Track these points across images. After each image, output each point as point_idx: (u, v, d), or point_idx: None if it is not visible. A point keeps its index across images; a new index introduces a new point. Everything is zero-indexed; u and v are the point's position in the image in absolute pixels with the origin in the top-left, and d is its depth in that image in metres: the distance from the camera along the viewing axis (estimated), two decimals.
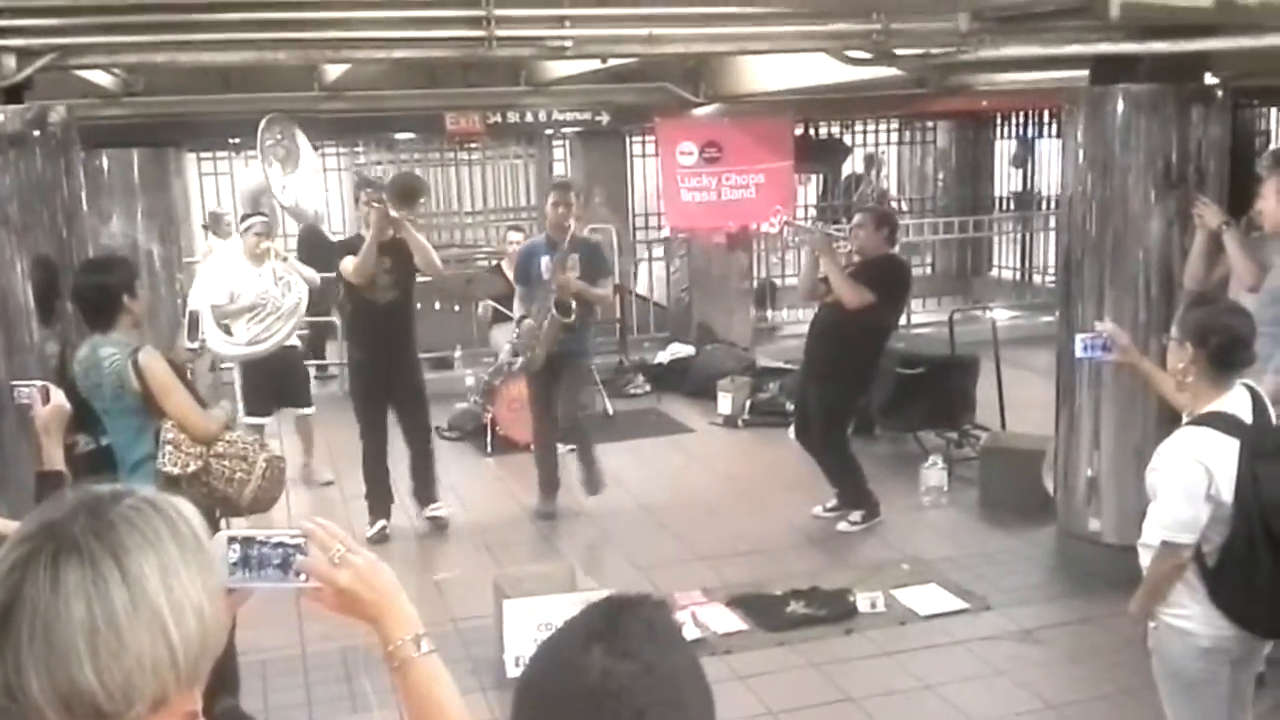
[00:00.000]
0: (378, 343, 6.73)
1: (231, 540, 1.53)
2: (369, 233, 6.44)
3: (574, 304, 6.85)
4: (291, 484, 7.88)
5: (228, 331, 7.36)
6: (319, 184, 8.80)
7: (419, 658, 1.56)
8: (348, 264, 6.54)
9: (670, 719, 1.20)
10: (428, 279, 7.14)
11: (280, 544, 1.54)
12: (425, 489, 7.06)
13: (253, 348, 7.38)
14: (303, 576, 1.54)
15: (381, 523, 6.92)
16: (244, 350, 7.42)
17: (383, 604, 1.56)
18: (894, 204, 14.88)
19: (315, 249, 9.36)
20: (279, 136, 8.40)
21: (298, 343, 8.12)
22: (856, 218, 6.93)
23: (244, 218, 7.97)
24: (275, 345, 7.42)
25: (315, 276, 7.73)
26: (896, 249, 7.12)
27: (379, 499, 6.97)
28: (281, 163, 8.48)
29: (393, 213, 6.38)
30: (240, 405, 7.61)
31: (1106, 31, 4.68)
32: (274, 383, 7.70)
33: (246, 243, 7.54)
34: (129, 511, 1.30)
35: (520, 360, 7.37)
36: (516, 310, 7.30)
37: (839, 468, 6.88)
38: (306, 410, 7.97)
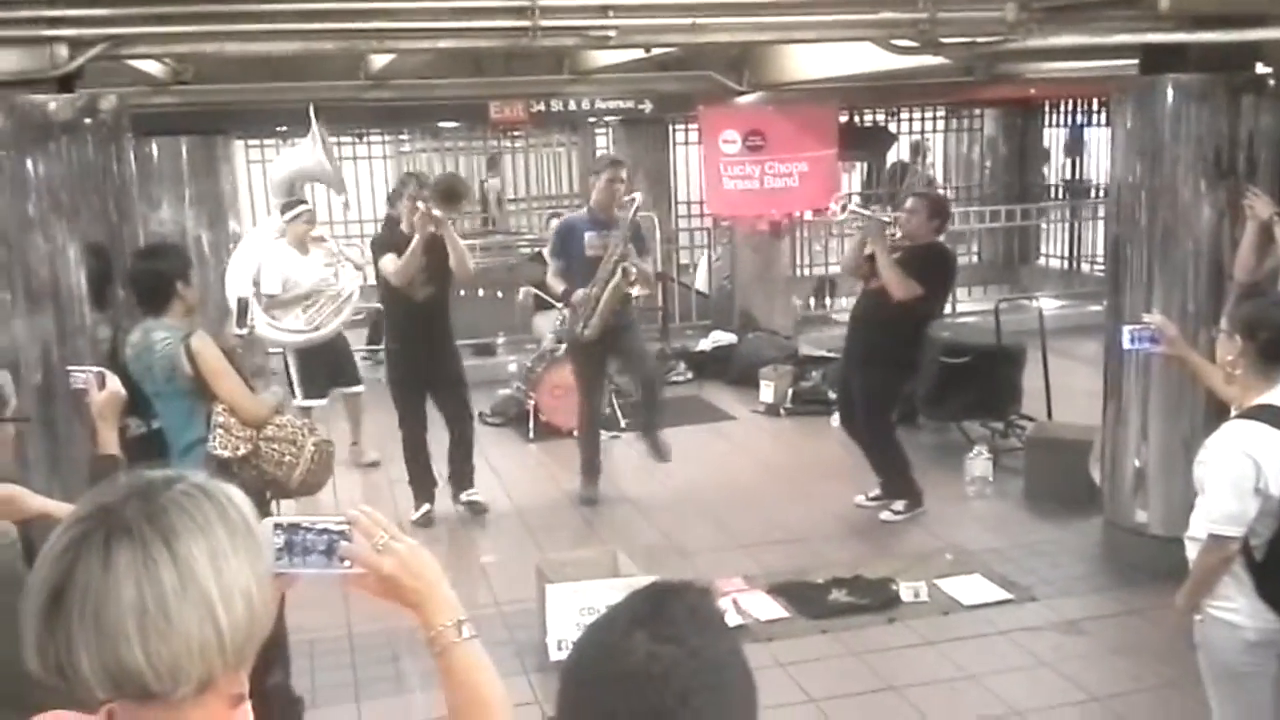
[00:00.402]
0: (415, 337, 6.78)
1: (277, 527, 1.55)
2: (415, 239, 6.39)
3: (635, 276, 6.85)
4: (340, 465, 8.06)
5: (275, 318, 7.46)
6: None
7: (461, 643, 1.58)
8: (387, 263, 6.57)
9: (713, 703, 1.21)
10: None
11: (325, 530, 1.57)
12: (461, 475, 7.11)
13: (312, 334, 7.53)
14: (347, 563, 1.56)
15: (426, 506, 6.99)
16: (303, 337, 7.55)
17: (425, 590, 1.58)
18: (941, 191, 14.79)
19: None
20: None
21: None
22: (910, 202, 6.77)
23: (285, 206, 8.01)
24: (334, 331, 7.60)
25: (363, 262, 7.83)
26: (943, 238, 7.05)
27: (422, 484, 7.04)
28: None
29: (436, 214, 6.39)
30: (297, 390, 7.85)
31: (1156, 21, 4.63)
32: (327, 366, 7.88)
33: (295, 231, 7.64)
34: (180, 496, 1.33)
35: (570, 330, 7.28)
36: (554, 285, 7.22)
37: (883, 456, 6.85)
38: (356, 389, 8.12)
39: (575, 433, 7.60)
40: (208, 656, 1.30)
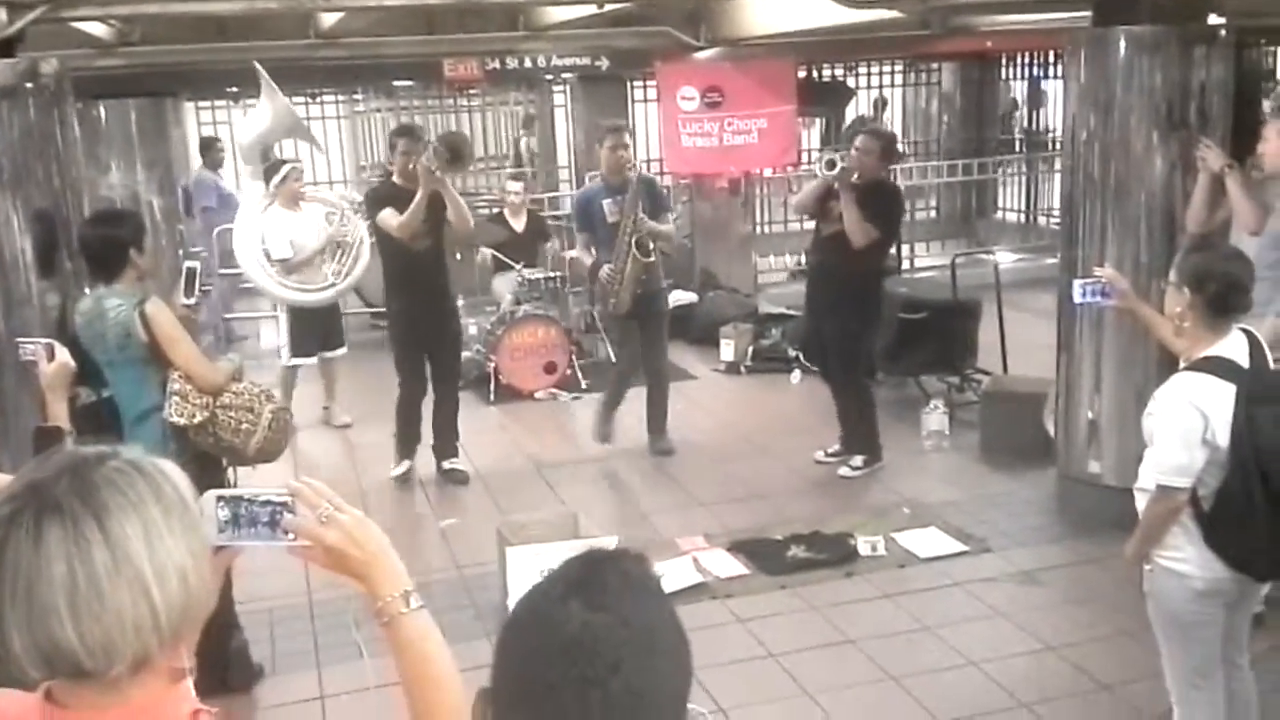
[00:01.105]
0: (416, 289, 6.77)
1: (220, 499, 1.55)
2: (419, 194, 6.36)
3: (652, 243, 6.90)
4: (313, 426, 8.16)
5: (302, 281, 7.66)
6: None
7: (408, 614, 1.58)
8: (388, 217, 6.54)
9: (645, 669, 1.22)
10: None
11: (268, 502, 1.56)
12: (446, 442, 7.08)
13: (345, 283, 7.79)
14: (291, 535, 1.55)
15: (407, 463, 7.00)
16: (336, 290, 7.79)
17: (371, 561, 1.58)
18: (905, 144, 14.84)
19: None
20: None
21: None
22: (862, 140, 6.65)
23: (269, 169, 7.99)
24: (359, 275, 7.79)
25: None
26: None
27: (408, 442, 7.03)
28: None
29: (437, 173, 6.35)
30: (285, 349, 8.10)
31: None
32: (319, 326, 7.98)
33: (286, 191, 7.69)
34: (113, 473, 1.32)
35: (603, 304, 7.37)
36: (583, 257, 7.35)
37: (855, 403, 6.86)
38: (338, 352, 8.18)
39: (615, 380, 7.53)
40: (142, 635, 1.29)
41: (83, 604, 1.26)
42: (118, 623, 1.27)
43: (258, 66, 8.18)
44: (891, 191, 6.80)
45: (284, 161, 8.11)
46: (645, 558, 1.33)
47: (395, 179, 6.78)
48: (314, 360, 8.10)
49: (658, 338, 7.38)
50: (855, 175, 6.37)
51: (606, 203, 7.03)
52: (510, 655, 1.27)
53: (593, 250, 7.19)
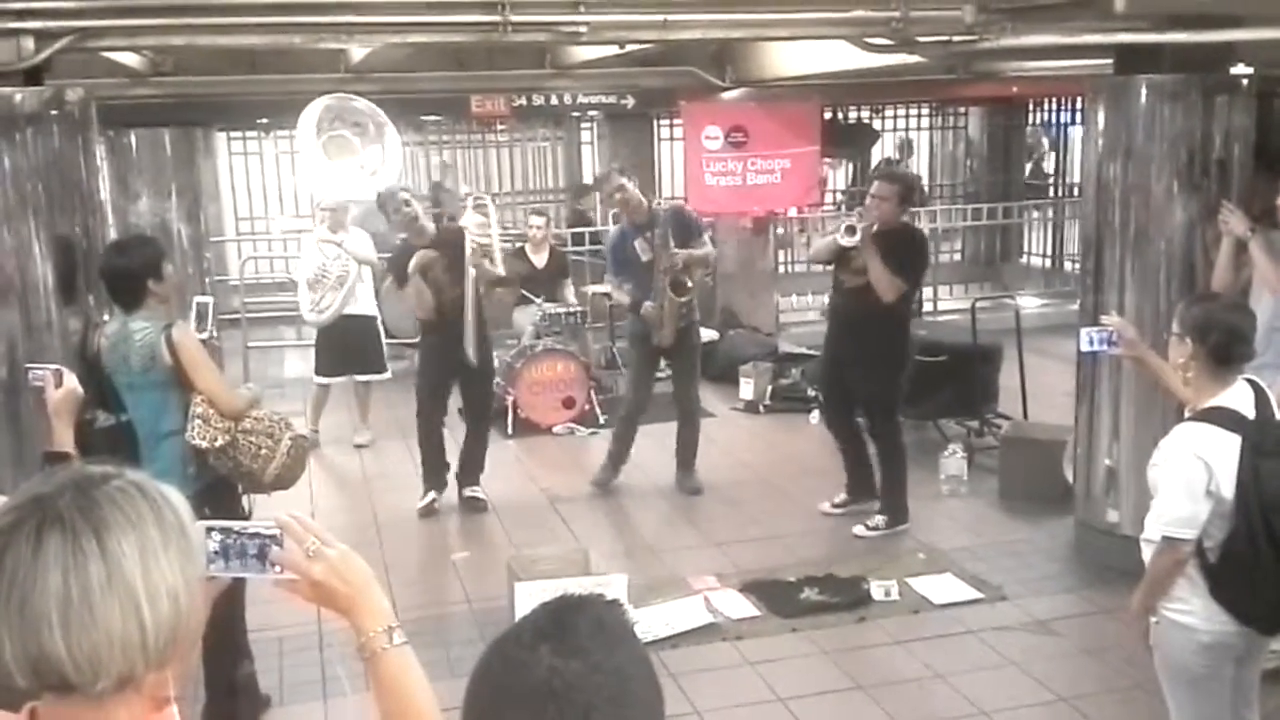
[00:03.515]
0: (448, 326, 6.79)
1: (210, 530, 1.56)
2: (412, 278, 6.57)
3: (687, 280, 6.96)
4: (335, 445, 8.36)
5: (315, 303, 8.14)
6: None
7: (390, 649, 1.58)
8: (410, 295, 6.76)
9: (617, 717, 1.21)
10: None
11: (257, 534, 1.58)
12: (471, 470, 7.14)
13: (317, 317, 8.18)
14: (278, 568, 1.57)
15: (432, 495, 7.03)
16: (316, 318, 8.22)
17: (355, 596, 1.59)
18: (923, 188, 14.81)
19: None
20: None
21: (375, 312, 8.47)
22: (879, 187, 6.48)
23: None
24: (330, 317, 8.07)
25: (371, 257, 8.17)
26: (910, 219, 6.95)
27: (434, 472, 7.08)
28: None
29: (428, 255, 6.59)
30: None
31: (1126, 21, 4.63)
32: (345, 348, 8.20)
33: (334, 217, 8.20)
34: (115, 492, 1.34)
35: (640, 342, 7.38)
36: (618, 298, 7.46)
37: (888, 460, 6.65)
38: (374, 376, 8.39)
39: (618, 420, 7.61)
40: (129, 652, 1.30)
41: (74, 616, 1.27)
42: (106, 638, 1.28)
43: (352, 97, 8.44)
44: (915, 239, 6.63)
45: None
46: (619, 603, 1.33)
47: (408, 238, 6.85)
48: (338, 380, 8.33)
49: (690, 371, 7.40)
50: (875, 224, 6.21)
51: (638, 243, 7.07)
52: (479, 702, 1.26)
53: (625, 289, 7.22)
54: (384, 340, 8.63)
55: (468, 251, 6.72)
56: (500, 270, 7.16)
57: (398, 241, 7.24)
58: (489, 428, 7.24)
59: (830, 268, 6.67)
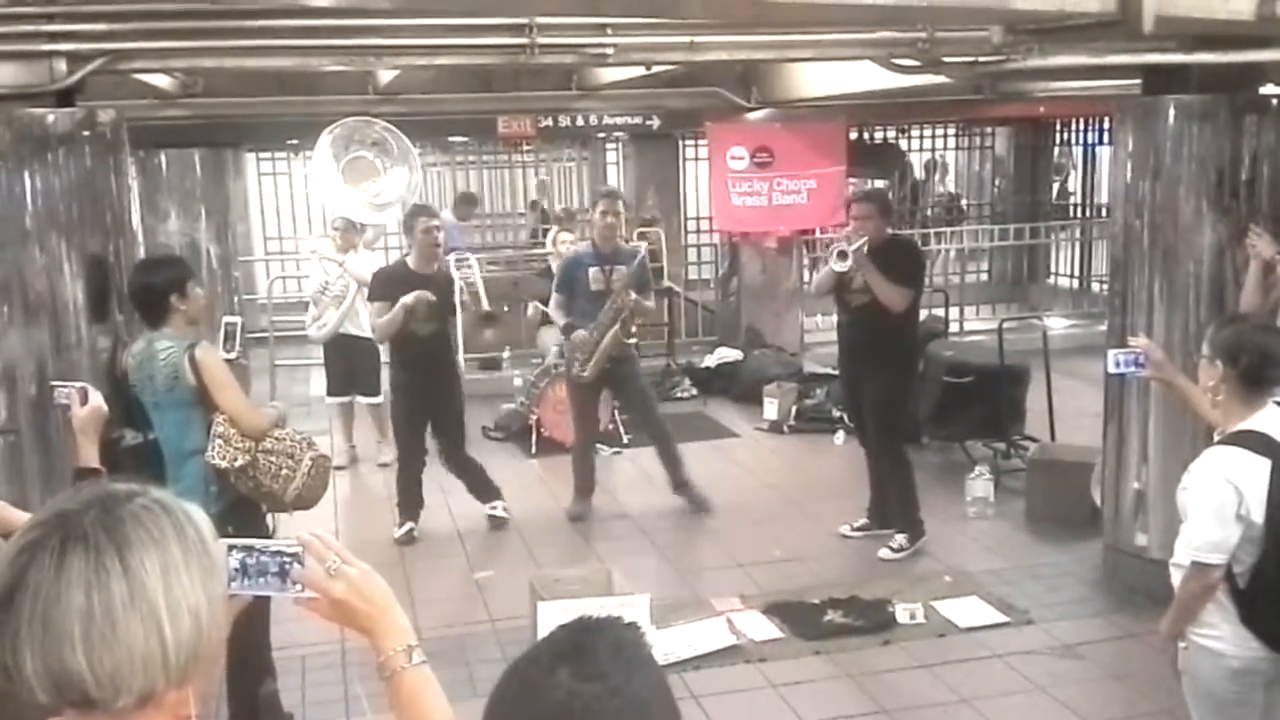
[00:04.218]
0: (419, 370, 6.79)
1: (232, 548, 1.57)
2: (398, 307, 6.48)
3: (635, 325, 6.97)
4: (363, 463, 8.48)
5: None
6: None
7: (410, 669, 1.58)
8: (374, 314, 6.82)
9: None
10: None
11: (278, 552, 1.58)
12: (481, 490, 7.14)
13: (317, 334, 8.33)
14: (299, 586, 1.57)
15: (410, 525, 7.01)
16: (312, 334, 8.37)
17: (375, 615, 1.59)
18: (962, 206, 14.83)
19: None
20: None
21: (370, 334, 8.38)
22: (855, 209, 6.52)
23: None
24: (330, 331, 8.15)
25: (366, 279, 7.98)
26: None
27: (409, 505, 7.05)
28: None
29: (425, 296, 6.55)
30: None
31: (1156, 42, 4.61)
32: (347, 368, 8.32)
33: (343, 238, 8.30)
34: (139, 510, 1.35)
35: (568, 367, 7.35)
36: (555, 317, 7.32)
37: (894, 478, 6.62)
38: (373, 400, 8.38)
39: (571, 446, 7.61)
40: (150, 669, 1.31)
41: (96, 633, 1.28)
42: (128, 655, 1.29)
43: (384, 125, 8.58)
44: (908, 247, 6.75)
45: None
46: (637, 626, 1.32)
47: (410, 262, 6.78)
48: (347, 399, 8.47)
49: (637, 393, 7.35)
50: (865, 244, 6.23)
51: (592, 270, 6.98)
52: None
53: (566, 312, 7.12)
54: (381, 362, 8.59)
55: (456, 296, 6.83)
56: (487, 307, 7.39)
57: (398, 256, 7.26)
58: (464, 450, 7.15)
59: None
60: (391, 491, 7.70)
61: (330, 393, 8.49)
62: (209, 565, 1.40)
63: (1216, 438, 3.27)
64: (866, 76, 7.28)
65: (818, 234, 11.28)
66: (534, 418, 8.65)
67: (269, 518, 4.49)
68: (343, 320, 8.14)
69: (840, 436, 8.76)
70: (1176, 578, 3.24)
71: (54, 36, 4.51)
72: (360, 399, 8.42)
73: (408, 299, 6.47)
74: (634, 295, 6.89)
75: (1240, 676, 3.17)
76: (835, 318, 6.60)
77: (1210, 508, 3.09)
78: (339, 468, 8.16)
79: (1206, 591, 3.14)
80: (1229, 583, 3.13)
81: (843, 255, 6.24)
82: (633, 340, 6.97)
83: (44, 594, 1.27)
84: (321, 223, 13.51)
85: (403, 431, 7.04)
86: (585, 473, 7.37)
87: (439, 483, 7.28)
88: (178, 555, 1.35)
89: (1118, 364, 3.85)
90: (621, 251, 7.04)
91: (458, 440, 7.11)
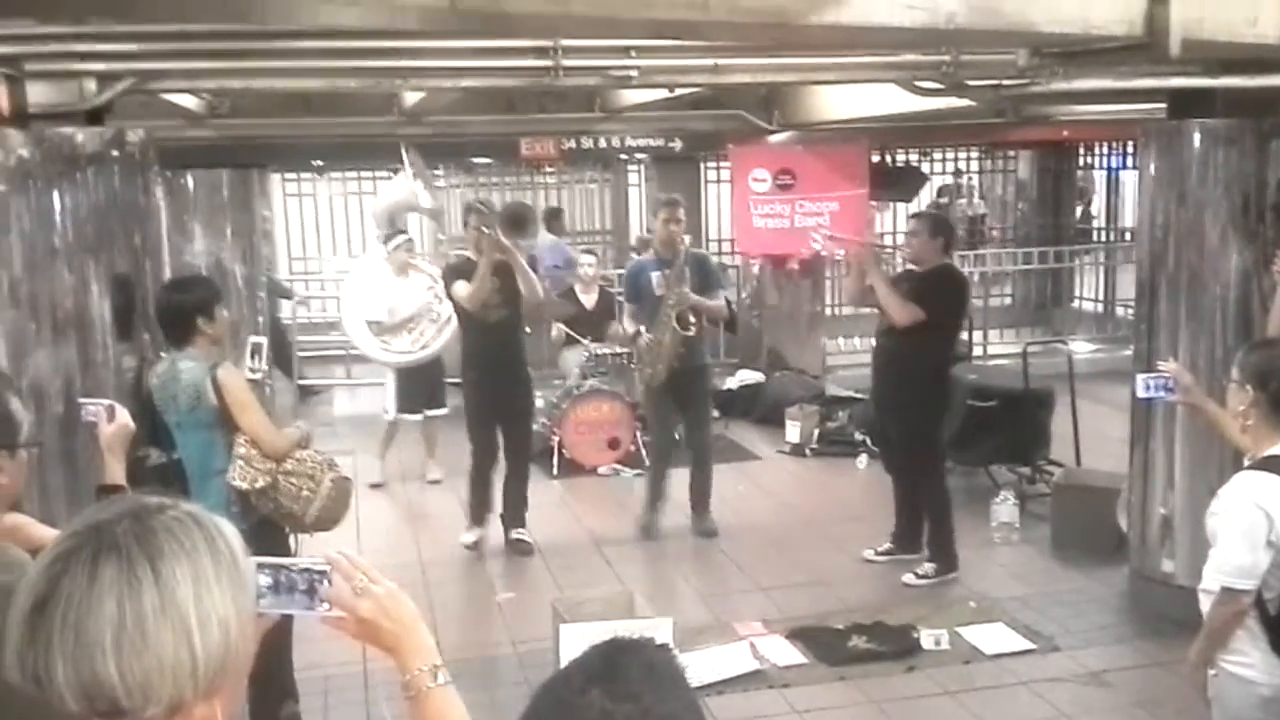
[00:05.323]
0: (490, 360, 6.91)
1: (260, 566, 1.57)
2: (481, 260, 6.61)
3: (692, 317, 6.95)
4: (397, 481, 8.53)
5: (386, 343, 8.29)
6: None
7: (434, 689, 1.58)
8: (460, 289, 6.77)
9: None
10: None
11: (306, 570, 1.58)
12: (515, 511, 7.15)
13: (420, 354, 8.29)
14: (326, 604, 1.57)
15: (478, 531, 7.08)
16: (411, 358, 8.30)
17: (401, 634, 1.60)
18: (989, 229, 14.78)
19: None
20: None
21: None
22: (910, 224, 6.66)
23: (386, 237, 8.63)
24: (436, 351, 8.29)
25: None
26: (954, 258, 6.84)
27: (480, 508, 7.12)
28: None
29: (503, 240, 6.62)
30: (392, 404, 8.51)
31: (1182, 65, 4.60)
32: (425, 386, 8.38)
33: (395, 259, 8.31)
34: (171, 522, 1.37)
35: (639, 375, 7.47)
36: (628, 326, 7.41)
37: (932, 508, 6.55)
38: (439, 411, 8.48)
39: (647, 462, 7.68)
40: (179, 679, 1.32)
41: (127, 642, 1.29)
42: (157, 664, 1.30)
43: (404, 151, 8.80)
44: (947, 275, 6.43)
45: (401, 231, 8.72)
46: (670, 648, 1.31)
47: (470, 253, 6.93)
48: (418, 417, 8.47)
49: (701, 416, 7.41)
50: (909, 261, 6.31)
51: (655, 275, 7.10)
52: None
53: (638, 321, 7.23)
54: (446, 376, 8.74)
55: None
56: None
57: (455, 254, 7.39)
58: (528, 467, 7.25)
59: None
60: (414, 512, 7.74)
61: (401, 409, 8.48)
62: (239, 579, 1.41)
63: (1246, 463, 3.24)
64: (889, 99, 7.27)
65: (839, 256, 11.26)
66: (556, 439, 8.65)
67: (291, 539, 4.50)
68: (450, 335, 8.14)
69: (863, 460, 8.72)
70: (1206, 604, 3.20)
71: (84, 56, 4.54)
72: (429, 412, 8.48)
73: (483, 263, 6.60)
74: (691, 294, 6.93)
75: (1271, 705, 3.12)
76: (857, 341, 6.66)
77: (1240, 532, 3.06)
78: (375, 485, 8.34)
79: (1236, 618, 3.10)
80: (1259, 609, 3.09)
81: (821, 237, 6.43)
82: (690, 331, 6.93)
83: (76, 603, 1.28)
84: (349, 244, 13.68)
85: (474, 429, 7.11)
86: (657, 485, 7.41)
87: (460, 504, 7.28)
88: (209, 567, 1.36)
89: (1147, 388, 3.83)
90: (688, 255, 7.09)
91: (524, 442, 7.21)
